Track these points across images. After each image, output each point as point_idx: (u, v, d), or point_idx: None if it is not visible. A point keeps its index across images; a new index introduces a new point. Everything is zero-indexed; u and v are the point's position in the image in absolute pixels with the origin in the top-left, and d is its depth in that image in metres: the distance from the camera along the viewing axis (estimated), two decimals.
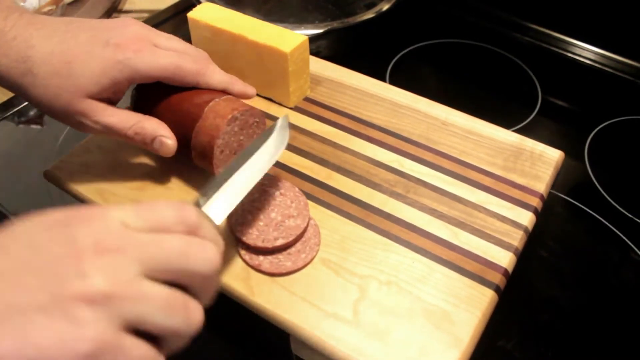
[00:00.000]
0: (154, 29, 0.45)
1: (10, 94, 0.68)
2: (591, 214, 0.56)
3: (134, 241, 0.27)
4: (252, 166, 0.40)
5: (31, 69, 0.41)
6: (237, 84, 0.48)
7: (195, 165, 0.47)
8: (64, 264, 0.26)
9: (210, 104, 0.46)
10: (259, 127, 0.49)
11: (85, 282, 0.25)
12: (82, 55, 0.41)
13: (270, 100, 0.57)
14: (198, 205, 0.35)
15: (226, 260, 0.43)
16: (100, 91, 0.42)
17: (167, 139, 0.44)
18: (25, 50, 0.41)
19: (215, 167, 0.45)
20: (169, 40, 0.45)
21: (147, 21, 0.83)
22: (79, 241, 0.26)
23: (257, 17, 0.56)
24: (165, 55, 0.43)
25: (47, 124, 0.67)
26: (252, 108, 0.47)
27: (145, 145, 0.44)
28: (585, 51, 0.76)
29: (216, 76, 0.46)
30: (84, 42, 0.41)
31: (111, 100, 0.44)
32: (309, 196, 0.48)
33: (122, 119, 0.43)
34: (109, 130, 0.43)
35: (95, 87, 0.41)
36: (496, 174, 0.49)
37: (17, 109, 0.69)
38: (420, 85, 0.65)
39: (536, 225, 0.47)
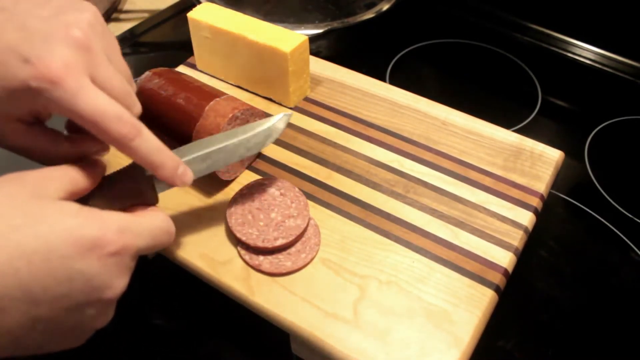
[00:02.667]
0: (111, 46, 0.36)
1: None
2: (591, 214, 0.56)
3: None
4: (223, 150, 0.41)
5: None
6: (167, 165, 0.36)
7: None
8: None
9: (211, 103, 0.46)
10: None
11: None
12: None
13: (270, 100, 0.57)
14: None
15: (226, 260, 0.43)
16: (6, 116, 0.34)
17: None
18: None
19: None
20: (112, 77, 0.35)
21: (147, 21, 0.83)
22: None
23: (257, 17, 0.56)
24: (90, 98, 0.32)
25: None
26: (252, 107, 0.47)
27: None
28: (585, 51, 0.76)
29: (146, 144, 0.35)
30: (3, 46, 0.32)
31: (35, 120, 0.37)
32: (309, 196, 0.48)
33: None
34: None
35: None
36: (496, 174, 0.49)
37: None
38: (420, 85, 0.65)
39: (536, 225, 0.47)
